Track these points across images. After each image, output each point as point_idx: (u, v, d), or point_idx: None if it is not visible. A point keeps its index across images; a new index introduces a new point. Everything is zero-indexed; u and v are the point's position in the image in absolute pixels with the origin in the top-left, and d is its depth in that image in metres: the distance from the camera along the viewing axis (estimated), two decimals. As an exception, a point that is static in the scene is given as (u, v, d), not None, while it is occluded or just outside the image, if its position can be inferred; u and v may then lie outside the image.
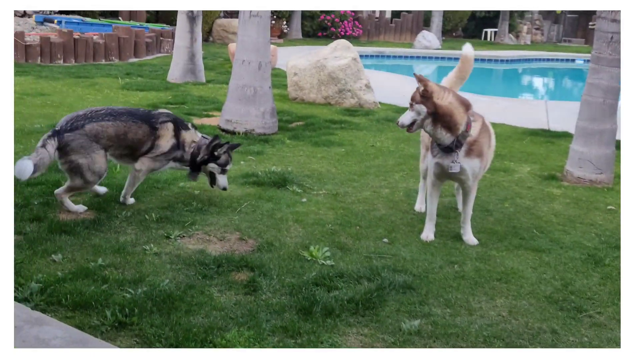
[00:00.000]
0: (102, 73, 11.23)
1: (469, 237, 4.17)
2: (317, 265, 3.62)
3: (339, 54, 9.55)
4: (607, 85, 5.57)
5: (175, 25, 11.67)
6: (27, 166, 3.83)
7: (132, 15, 17.27)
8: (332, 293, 3.28)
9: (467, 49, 4.55)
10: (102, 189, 4.54)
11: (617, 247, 4.13)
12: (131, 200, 4.45)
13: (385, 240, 4.11)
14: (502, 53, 21.64)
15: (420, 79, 3.85)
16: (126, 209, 4.31)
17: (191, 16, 10.67)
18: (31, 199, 4.33)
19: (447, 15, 26.43)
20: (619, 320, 3.18)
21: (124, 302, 3.01)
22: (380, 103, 9.64)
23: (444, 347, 2.88)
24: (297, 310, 3.08)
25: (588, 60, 6.10)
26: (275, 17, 20.76)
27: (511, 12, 27.57)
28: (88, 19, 15.65)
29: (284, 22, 22.34)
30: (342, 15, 23.65)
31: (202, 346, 2.73)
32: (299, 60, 9.75)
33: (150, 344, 2.73)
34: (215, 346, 2.74)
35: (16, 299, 2.93)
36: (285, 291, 3.29)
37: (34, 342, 2.45)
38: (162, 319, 2.91)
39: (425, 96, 3.83)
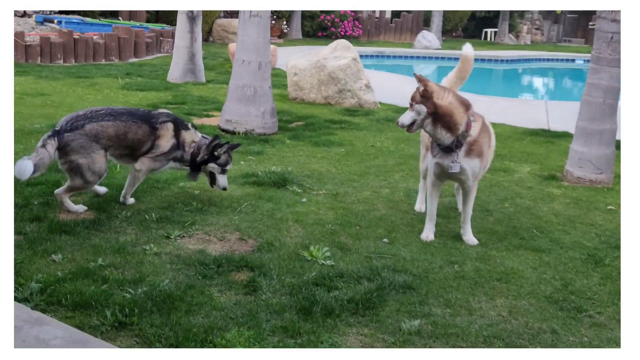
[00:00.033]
0: (102, 73, 11.23)
1: (469, 237, 4.17)
2: (317, 265, 3.63)
3: (339, 54, 9.55)
4: (607, 85, 5.57)
5: (175, 25, 11.67)
6: (27, 166, 3.83)
7: (132, 15, 17.27)
8: (332, 293, 3.28)
9: (467, 49, 4.55)
10: (102, 189, 4.54)
11: (617, 247, 4.13)
12: (131, 200, 4.45)
13: (385, 240, 4.11)
14: (502, 53, 21.64)
15: (420, 79, 3.85)
16: (126, 209, 4.31)
17: (191, 16, 10.67)
18: (31, 199, 4.33)
19: (447, 16, 26.43)
20: (618, 320, 3.18)
21: (124, 302, 3.01)
22: (380, 103, 9.64)
23: (444, 347, 2.88)
24: (297, 310, 3.08)
25: (588, 60, 6.10)
26: (275, 17, 20.76)
27: (511, 12, 27.57)
28: (88, 19, 15.65)
29: (284, 22, 22.34)
30: (342, 15, 23.65)
31: (202, 346, 2.73)
32: (299, 60, 9.75)
33: (150, 344, 2.73)
34: (215, 346, 2.74)
35: (16, 299, 2.93)
36: (285, 291, 3.29)
37: (34, 342, 2.45)
38: (162, 319, 2.91)
39: (425, 96, 3.83)
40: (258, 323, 2.92)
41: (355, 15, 24.34)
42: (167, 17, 18.24)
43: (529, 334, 3.04)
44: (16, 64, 11.08)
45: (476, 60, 5.32)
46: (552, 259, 3.96)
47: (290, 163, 5.86)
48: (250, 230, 4.11)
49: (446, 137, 3.89)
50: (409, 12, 25.95)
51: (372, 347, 2.85)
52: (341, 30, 23.47)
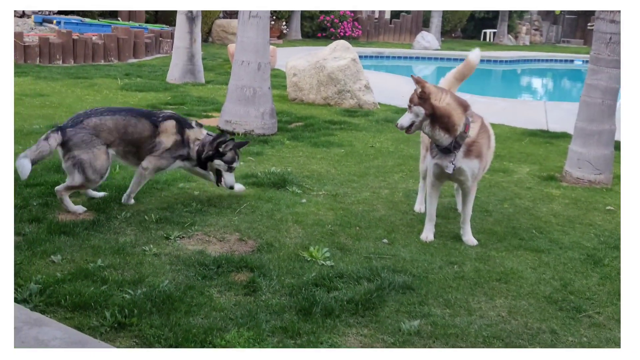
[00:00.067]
0: (101, 74, 11.23)
1: (469, 238, 4.17)
2: (317, 266, 3.62)
3: (338, 54, 9.55)
4: (606, 86, 5.58)
5: (174, 25, 11.66)
6: (25, 165, 3.94)
7: (131, 15, 17.27)
8: (332, 293, 3.28)
9: (474, 55, 4.50)
10: (99, 194, 4.54)
11: (616, 248, 4.14)
12: (131, 201, 4.46)
13: (385, 240, 4.11)
14: (501, 54, 21.66)
15: (417, 81, 3.84)
16: (125, 210, 4.31)
17: (190, 17, 10.67)
18: (30, 200, 4.33)
19: (446, 16, 26.46)
20: (618, 321, 3.19)
21: (123, 303, 3.01)
22: (379, 104, 9.64)
23: (444, 347, 2.88)
24: (296, 310, 3.08)
25: (587, 61, 6.10)
26: (274, 17, 20.76)
27: (510, 13, 27.60)
28: (87, 20, 15.65)
29: (284, 23, 22.34)
30: (341, 16, 23.66)
31: (202, 347, 2.73)
32: (299, 61, 9.75)
33: (149, 345, 2.73)
34: (214, 347, 2.74)
35: (15, 300, 2.93)
36: (285, 292, 3.29)
37: (33, 343, 2.45)
38: (162, 319, 2.91)
39: (422, 98, 3.83)
40: (258, 323, 2.93)
41: (355, 15, 24.36)
42: (167, 18, 18.25)
43: (528, 334, 3.04)
44: (15, 65, 11.07)
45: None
46: (552, 259, 3.96)
47: (289, 164, 5.86)
48: (250, 230, 4.11)
49: (444, 138, 3.89)
50: (408, 12, 25.98)
51: (372, 347, 2.85)
52: (340, 31, 23.49)
